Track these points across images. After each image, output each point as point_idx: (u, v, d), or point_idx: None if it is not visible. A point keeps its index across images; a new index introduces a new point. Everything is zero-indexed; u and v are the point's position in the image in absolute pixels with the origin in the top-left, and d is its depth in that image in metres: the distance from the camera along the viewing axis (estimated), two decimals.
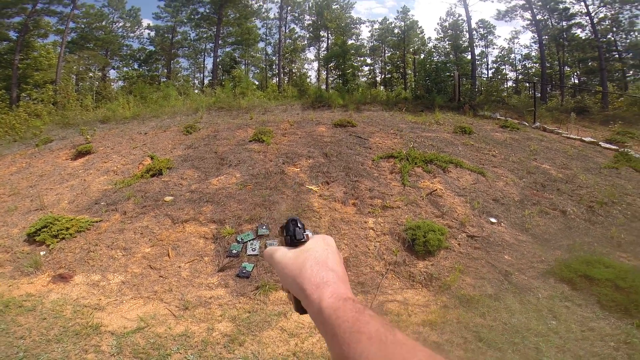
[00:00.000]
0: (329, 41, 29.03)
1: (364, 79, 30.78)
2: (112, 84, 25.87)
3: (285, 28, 28.73)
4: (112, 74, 28.63)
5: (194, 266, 4.40)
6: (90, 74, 26.39)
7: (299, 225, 0.56)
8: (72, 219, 5.26)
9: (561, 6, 22.95)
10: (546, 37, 24.46)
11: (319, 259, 0.50)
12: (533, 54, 30.64)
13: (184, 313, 3.61)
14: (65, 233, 5.03)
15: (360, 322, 0.38)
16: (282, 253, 0.54)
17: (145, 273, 4.31)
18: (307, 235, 0.56)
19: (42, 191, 6.84)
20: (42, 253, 4.78)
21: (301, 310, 0.50)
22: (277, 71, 28.12)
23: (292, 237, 0.55)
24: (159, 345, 3.11)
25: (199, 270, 4.34)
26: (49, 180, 7.44)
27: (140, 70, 27.89)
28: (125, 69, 28.18)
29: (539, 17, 23.98)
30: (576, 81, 28.90)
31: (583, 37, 24.13)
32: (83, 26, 25.82)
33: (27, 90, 19.54)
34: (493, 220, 5.35)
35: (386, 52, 31.79)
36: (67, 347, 3.07)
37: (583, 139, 10.11)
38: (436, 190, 5.89)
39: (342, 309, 0.40)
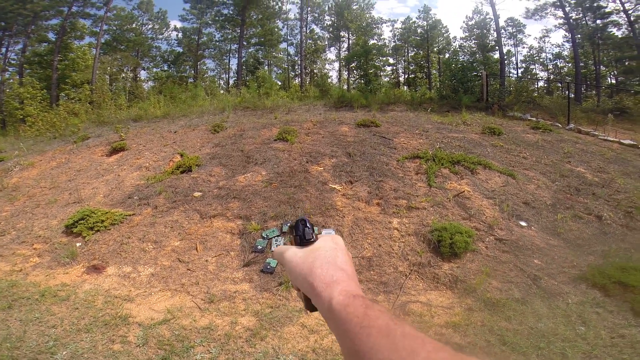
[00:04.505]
0: (350, 41, 28.97)
1: (387, 79, 30.47)
2: (143, 84, 26.98)
3: (306, 29, 28.94)
4: (143, 74, 29.86)
5: (220, 260, 4.52)
6: (123, 75, 27.60)
7: (308, 225, 0.57)
8: (107, 212, 5.52)
9: (595, 4, 21.78)
10: (579, 35, 23.29)
11: (328, 258, 0.51)
12: (565, 52, 29.33)
13: (209, 306, 3.70)
14: (100, 226, 5.27)
15: (369, 317, 0.39)
16: (292, 252, 0.55)
17: (174, 266, 4.45)
18: (315, 235, 0.57)
19: (79, 185, 7.22)
20: (78, 244, 5.00)
21: (311, 308, 0.51)
22: (299, 71, 28.36)
23: (302, 237, 0.56)
24: (183, 337, 3.19)
25: (225, 264, 4.45)
26: (86, 175, 7.85)
27: (169, 71, 28.92)
28: (155, 69, 29.32)
29: (571, 15, 22.90)
30: (613, 81, 27.38)
31: (620, 36, 22.83)
32: (115, 28, 27.09)
33: (66, 90, 20.66)
34: (523, 223, 5.16)
35: (409, 51, 31.35)
36: (96, 337, 3.17)
37: (622, 141, 9.54)
38: (464, 192, 5.75)
39: (352, 305, 0.41)
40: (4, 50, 22.65)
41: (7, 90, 21.01)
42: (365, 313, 0.39)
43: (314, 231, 0.57)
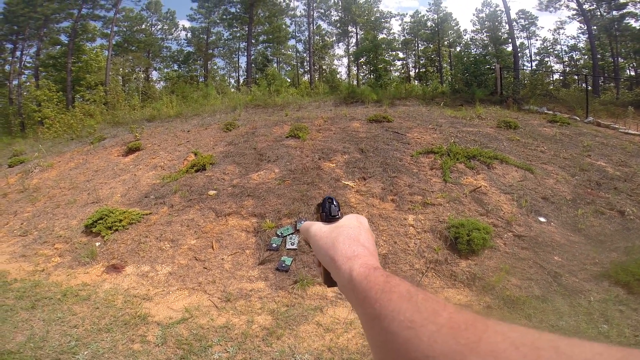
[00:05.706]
0: (358, 36, 28.74)
1: (397, 73, 30.16)
2: (155, 84, 27.34)
3: (313, 25, 28.82)
4: (155, 75, 30.27)
5: (236, 259, 4.55)
6: (135, 76, 28.02)
7: (334, 203, 0.59)
8: (124, 212, 5.61)
9: None
10: (595, 27, 22.60)
11: (351, 235, 0.52)
12: (581, 44, 28.47)
13: (225, 305, 3.72)
14: (119, 225, 5.36)
15: (390, 283, 0.40)
16: (317, 227, 0.57)
17: (191, 264, 4.50)
18: (341, 212, 0.59)
19: (97, 185, 7.37)
20: (97, 244, 5.08)
21: (330, 282, 0.53)
22: (308, 68, 28.31)
23: (328, 213, 0.58)
24: (201, 336, 3.20)
25: (240, 262, 4.48)
26: (103, 175, 8.01)
27: (180, 71, 29.22)
28: (166, 70, 29.68)
29: (586, 6, 22.21)
30: (632, 73, 26.51)
31: (638, 28, 22.13)
32: (125, 29, 27.49)
33: (81, 91, 21.09)
34: (542, 219, 5.05)
35: (419, 45, 30.93)
36: (116, 336, 3.20)
37: None
38: (480, 187, 5.65)
39: (373, 274, 0.42)
40: (18, 53, 23.27)
41: (25, 93, 21.62)
42: (386, 281, 0.40)
43: (339, 209, 0.59)
